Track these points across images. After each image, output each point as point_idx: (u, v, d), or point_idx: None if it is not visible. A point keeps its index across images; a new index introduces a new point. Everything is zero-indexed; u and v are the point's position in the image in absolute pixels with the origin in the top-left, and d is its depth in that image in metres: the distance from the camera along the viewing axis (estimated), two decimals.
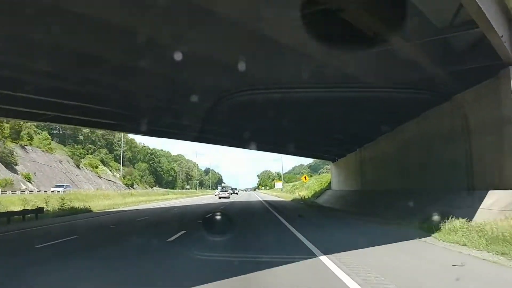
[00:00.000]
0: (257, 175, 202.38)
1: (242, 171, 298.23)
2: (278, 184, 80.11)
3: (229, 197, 55.88)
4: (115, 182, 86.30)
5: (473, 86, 12.87)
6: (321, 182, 41.48)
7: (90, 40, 9.70)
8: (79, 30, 9.03)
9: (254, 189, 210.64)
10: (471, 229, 9.61)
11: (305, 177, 43.88)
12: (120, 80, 13.28)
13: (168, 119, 19.71)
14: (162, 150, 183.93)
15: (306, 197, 37.23)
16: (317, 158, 39.24)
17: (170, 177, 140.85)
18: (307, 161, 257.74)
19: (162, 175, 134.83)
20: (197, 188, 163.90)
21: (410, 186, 18.23)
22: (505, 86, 11.06)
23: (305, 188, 45.88)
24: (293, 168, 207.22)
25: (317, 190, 38.38)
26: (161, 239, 11.58)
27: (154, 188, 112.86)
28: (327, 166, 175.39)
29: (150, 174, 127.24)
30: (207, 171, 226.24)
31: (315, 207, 28.35)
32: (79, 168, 74.06)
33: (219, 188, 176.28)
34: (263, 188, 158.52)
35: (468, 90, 13.27)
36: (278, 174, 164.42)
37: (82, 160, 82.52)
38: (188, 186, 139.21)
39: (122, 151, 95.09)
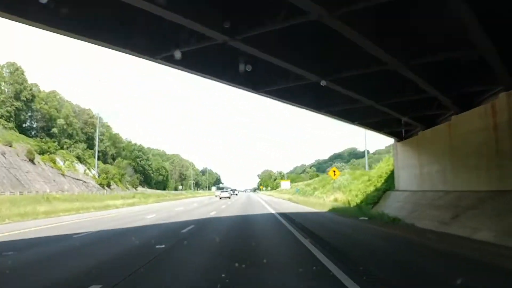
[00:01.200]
0: (258, 175, 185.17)
1: (242, 171, 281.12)
2: (285, 184, 62.56)
3: (229, 197, 57.76)
4: (85, 182, 69.05)
5: None
6: (368, 179, 24.21)
7: None
8: None
9: (254, 190, 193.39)
10: None
11: (334, 171, 26.68)
12: None
13: None
14: (157, 149, 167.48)
15: (354, 202, 20.11)
16: (375, 129, 19.75)
17: (161, 177, 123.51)
18: (308, 161, 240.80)
19: (151, 174, 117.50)
20: (192, 188, 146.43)
21: None
22: None
23: (336, 189, 28.99)
24: (295, 168, 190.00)
25: (368, 192, 21.28)
26: None
27: (138, 188, 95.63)
28: (336, 164, 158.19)
29: (137, 172, 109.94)
30: (204, 171, 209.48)
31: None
32: (33, 163, 56.86)
33: (214, 188, 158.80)
34: (264, 188, 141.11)
35: None
36: (280, 173, 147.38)
37: (54, 155, 65.51)
38: (181, 187, 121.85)
39: (97, 142, 77.95)
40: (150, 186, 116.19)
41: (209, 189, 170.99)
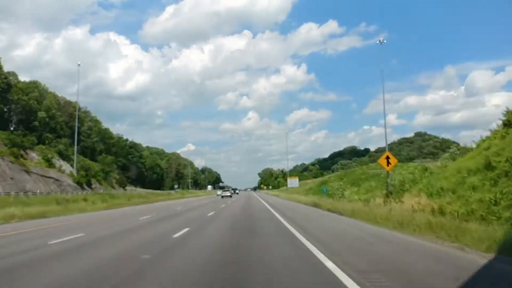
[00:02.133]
0: (258, 173, 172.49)
1: (242, 170, 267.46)
2: (293, 181, 49.96)
3: (231, 196, 56.50)
4: (57, 180, 56.39)
5: None
6: (486, 163, 11.69)
7: None
8: None
9: (255, 189, 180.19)
10: None
11: (387, 158, 14.31)
12: None
13: None
14: (155, 147, 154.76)
15: None
16: None
17: (155, 175, 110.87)
18: (309, 159, 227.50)
19: (144, 173, 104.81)
20: (190, 187, 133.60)
21: None
22: None
23: (396, 188, 16.69)
24: (295, 167, 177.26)
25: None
26: None
27: (127, 188, 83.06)
28: (344, 161, 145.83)
29: (129, 170, 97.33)
30: (203, 170, 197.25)
31: None
32: None
33: (209, 187, 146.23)
34: (265, 187, 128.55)
35: None
36: (282, 171, 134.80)
37: (16, 149, 53.12)
38: (176, 186, 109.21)
39: (76, 133, 65.41)
40: (143, 185, 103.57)
41: (206, 188, 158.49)
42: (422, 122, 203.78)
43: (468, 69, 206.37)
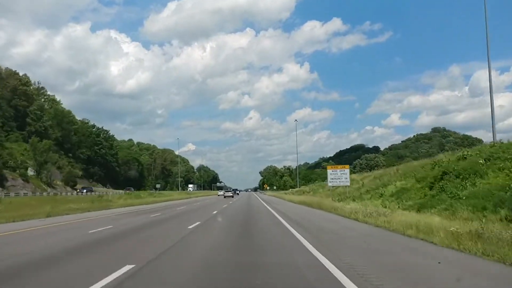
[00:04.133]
0: (260, 172, 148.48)
1: (243, 170, 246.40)
2: (338, 175, 24.45)
3: (233, 197, 55.47)
4: None
5: None
6: None
7: None
8: None
9: (255, 189, 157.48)
10: None
11: None
12: None
13: None
14: (148, 143, 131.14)
15: None
16: None
17: (132, 172, 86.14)
18: (311, 159, 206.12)
19: (115, 168, 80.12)
20: (179, 188, 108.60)
21: None
22: None
23: None
24: (298, 167, 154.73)
25: None
26: None
27: (79, 187, 58.49)
28: (370, 155, 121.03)
29: (88, 164, 72.66)
30: (199, 169, 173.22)
31: None
32: None
33: (191, 187, 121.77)
34: (268, 188, 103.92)
35: None
36: (288, 169, 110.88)
37: None
38: (158, 185, 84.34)
39: None
40: (115, 183, 78.93)
41: (206, 189, 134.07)
42: (425, 122, 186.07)
43: (472, 69, 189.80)
